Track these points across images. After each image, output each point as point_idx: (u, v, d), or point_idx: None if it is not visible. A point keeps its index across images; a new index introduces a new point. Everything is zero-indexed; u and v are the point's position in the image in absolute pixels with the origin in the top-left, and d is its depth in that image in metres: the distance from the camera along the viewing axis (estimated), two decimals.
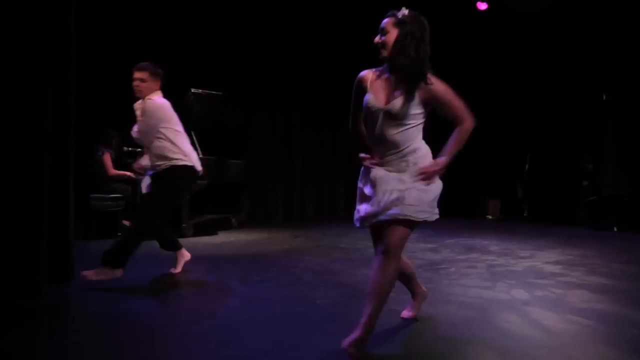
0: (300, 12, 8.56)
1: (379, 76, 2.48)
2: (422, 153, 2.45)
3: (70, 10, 3.14)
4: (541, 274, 4.33)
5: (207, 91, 6.88)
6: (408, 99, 2.37)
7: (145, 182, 4.03)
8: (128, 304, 3.22)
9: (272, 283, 3.92)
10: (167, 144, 3.79)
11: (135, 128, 3.86)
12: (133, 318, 2.95)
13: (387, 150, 2.43)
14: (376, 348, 2.45)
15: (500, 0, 9.05)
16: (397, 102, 2.37)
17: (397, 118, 2.38)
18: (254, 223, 8.30)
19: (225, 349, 2.47)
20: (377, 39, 2.43)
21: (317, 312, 3.12)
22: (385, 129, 2.40)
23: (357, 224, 2.53)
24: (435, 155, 2.49)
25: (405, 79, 2.37)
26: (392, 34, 2.37)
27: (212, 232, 6.98)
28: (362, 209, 2.48)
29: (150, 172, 3.92)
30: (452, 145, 2.44)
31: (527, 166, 9.87)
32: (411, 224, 2.39)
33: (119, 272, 3.61)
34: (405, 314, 2.96)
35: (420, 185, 2.38)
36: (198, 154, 4.22)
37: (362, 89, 2.50)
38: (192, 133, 6.24)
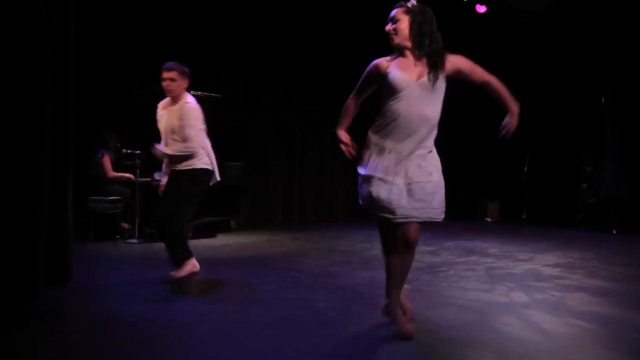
0: (299, 12, 8.56)
1: (395, 60, 2.63)
2: (435, 134, 2.65)
3: (70, 11, 3.13)
4: (540, 277, 4.33)
5: (206, 93, 6.86)
6: (436, 73, 2.56)
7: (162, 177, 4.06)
8: (127, 307, 3.21)
9: (271, 286, 3.92)
10: (198, 147, 3.87)
11: (163, 144, 3.90)
12: (132, 321, 2.94)
13: (416, 131, 2.55)
14: (375, 351, 2.45)
15: (499, 3, 9.07)
16: (428, 77, 2.55)
17: (431, 90, 2.55)
18: (253, 225, 8.29)
19: (225, 351, 2.46)
20: (388, 27, 2.63)
21: (317, 315, 3.11)
22: (421, 104, 2.55)
23: (379, 212, 2.59)
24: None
25: (431, 57, 2.57)
26: (404, 22, 2.58)
27: (211, 234, 6.97)
28: (393, 200, 2.53)
29: (168, 170, 3.95)
30: (505, 96, 2.67)
31: (526, 168, 9.88)
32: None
33: (191, 263, 3.77)
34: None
35: (441, 185, 2.61)
36: None
37: (376, 76, 2.64)
38: None
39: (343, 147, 2.75)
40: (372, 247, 5.98)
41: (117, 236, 6.29)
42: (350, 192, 9.21)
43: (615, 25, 8.39)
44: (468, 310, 3.23)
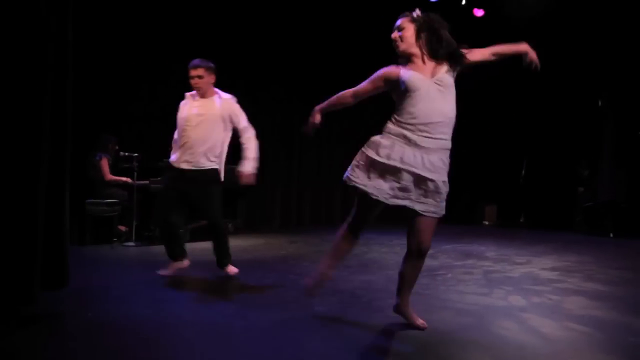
0: (299, 13, 8.57)
1: (404, 67, 2.70)
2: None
3: (69, 12, 3.13)
4: (538, 281, 4.33)
5: None
6: (448, 70, 2.66)
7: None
8: (125, 309, 3.20)
9: (269, 289, 3.91)
10: (225, 147, 4.12)
11: (185, 137, 4.05)
12: (130, 323, 2.93)
13: (436, 127, 2.59)
14: (373, 354, 2.44)
15: (496, 7, 9.11)
16: (443, 74, 2.63)
17: (447, 86, 2.63)
18: (251, 228, 8.28)
19: (223, 355, 2.46)
20: (394, 34, 2.71)
21: (315, 318, 3.11)
22: (439, 102, 2.61)
23: (385, 200, 2.65)
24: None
25: (451, 59, 2.66)
26: (409, 29, 2.67)
27: (209, 237, 6.94)
28: (395, 191, 2.62)
29: (190, 168, 4.07)
30: (512, 49, 2.79)
31: (523, 172, 9.90)
32: None
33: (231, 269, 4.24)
34: None
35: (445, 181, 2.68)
36: None
37: (388, 78, 2.69)
38: None
39: (310, 122, 2.94)
40: (370, 250, 5.98)
41: (115, 239, 6.27)
42: (347, 195, 9.20)
43: (612, 29, 8.43)
44: (466, 313, 3.23)
